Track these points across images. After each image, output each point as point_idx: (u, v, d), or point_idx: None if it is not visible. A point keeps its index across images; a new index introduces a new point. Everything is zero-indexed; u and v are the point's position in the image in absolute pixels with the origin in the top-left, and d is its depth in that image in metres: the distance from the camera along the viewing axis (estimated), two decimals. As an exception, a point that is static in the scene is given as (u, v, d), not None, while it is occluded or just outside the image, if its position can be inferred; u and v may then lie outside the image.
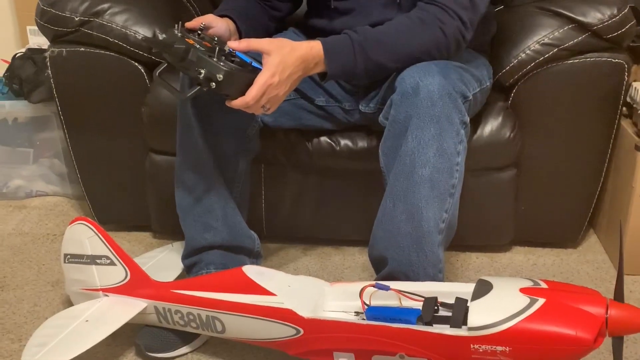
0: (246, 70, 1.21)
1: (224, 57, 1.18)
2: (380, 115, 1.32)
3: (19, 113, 1.94)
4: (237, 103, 1.19)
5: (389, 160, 1.28)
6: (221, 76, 1.15)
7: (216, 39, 1.27)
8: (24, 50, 1.96)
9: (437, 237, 1.26)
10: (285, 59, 1.22)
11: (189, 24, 1.28)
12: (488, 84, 1.45)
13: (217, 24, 1.34)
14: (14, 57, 1.92)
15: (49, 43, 1.62)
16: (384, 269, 1.30)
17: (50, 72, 1.62)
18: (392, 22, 1.30)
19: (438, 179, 1.23)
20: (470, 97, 1.30)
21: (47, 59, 1.61)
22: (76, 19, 1.54)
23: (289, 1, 1.55)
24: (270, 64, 1.21)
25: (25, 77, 1.86)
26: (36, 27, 1.61)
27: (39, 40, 2.02)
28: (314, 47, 1.26)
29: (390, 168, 1.28)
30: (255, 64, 1.25)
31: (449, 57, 1.30)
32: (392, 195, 1.26)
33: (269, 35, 1.52)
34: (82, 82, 1.61)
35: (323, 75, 1.29)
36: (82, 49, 1.56)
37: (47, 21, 1.56)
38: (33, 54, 1.90)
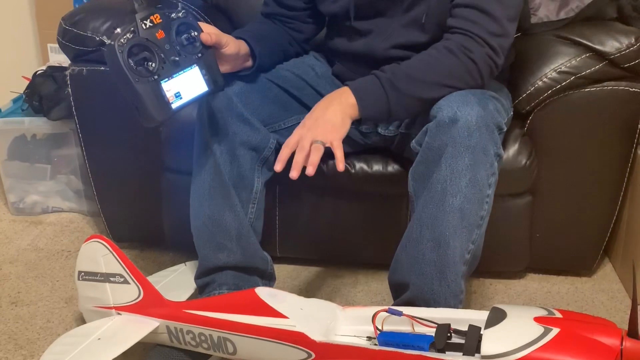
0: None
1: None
2: (413, 141, 1.31)
3: (37, 129, 1.96)
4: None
5: (418, 186, 1.28)
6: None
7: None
8: (44, 67, 1.98)
9: (461, 268, 1.25)
10: (310, 113, 1.30)
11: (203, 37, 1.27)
12: (511, 113, 1.45)
13: (230, 43, 1.34)
14: (34, 75, 1.94)
15: (69, 61, 1.65)
16: (404, 294, 1.29)
17: (70, 90, 1.64)
18: (418, 55, 1.31)
19: (468, 209, 1.22)
20: (505, 129, 1.30)
21: (68, 77, 1.63)
22: (97, 38, 1.56)
23: (312, 23, 1.56)
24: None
25: (45, 95, 1.88)
26: (57, 45, 1.63)
27: (59, 58, 2.05)
28: (337, 90, 1.31)
29: (419, 194, 1.27)
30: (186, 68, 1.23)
31: (483, 84, 1.30)
32: (420, 221, 1.25)
33: (287, 56, 1.54)
34: (101, 101, 1.63)
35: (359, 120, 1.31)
36: (102, 68, 1.58)
37: (69, 40, 1.58)
38: (54, 72, 1.93)
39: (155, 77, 1.18)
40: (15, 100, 2.04)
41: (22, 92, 1.97)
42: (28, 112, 1.95)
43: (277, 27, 1.52)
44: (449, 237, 1.22)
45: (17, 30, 2.38)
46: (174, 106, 1.21)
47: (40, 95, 1.89)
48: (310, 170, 1.23)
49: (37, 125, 1.93)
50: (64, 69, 1.81)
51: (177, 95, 1.21)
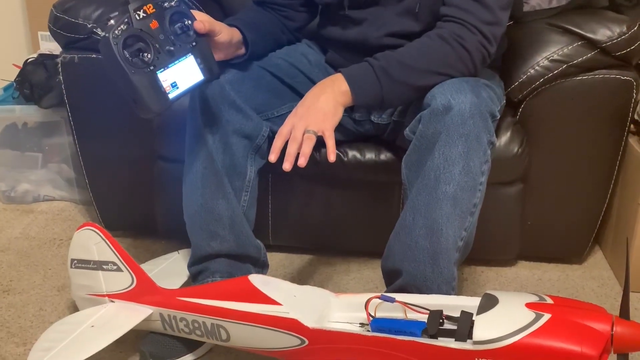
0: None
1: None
2: (407, 129, 1.31)
3: (28, 118, 1.95)
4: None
5: (412, 173, 1.28)
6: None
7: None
8: (35, 55, 1.97)
9: (454, 255, 1.26)
10: (302, 101, 1.30)
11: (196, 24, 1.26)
12: (504, 101, 1.46)
13: (223, 31, 1.33)
14: (25, 62, 1.93)
15: (60, 49, 1.64)
16: (397, 281, 1.30)
17: (61, 77, 1.63)
18: (412, 43, 1.31)
19: (461, 197, 1.23)
20: (498, 117, 1.31)
21: (59, 65, 1.62)
22: (89, 25, 1.55)
23: (305, 12, 1.55)
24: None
25: (36, 82, 1.87)
26: (48, 33, 1.62)
27: (50, 46, 2.04)
28: (329, 76, 1.30)
29: (412, 182, 1.27)
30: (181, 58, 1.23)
31: (476, 72, 1.30)
32: (413, 209, 1.26)
33: (279, 44, 1.53)
34: (93, 89, 1.62)
35: (351, 107, 1.31)
36: (94, 55, 1.57)
37: (60, 28, 1.57)
38: (45, 60, 1.92)
39: (151, 67, 1.18)
40: (6, 89, 2.03)
41: (12, 80, 1.96)
42: (19, 100, 1.94)
43: (269, 15, 1.51)
44: (442, 225, 1.23)
45: (8, 18, 2.37)
46: (170, 96, 1.21)
47: (31, 83, 1.88)
48: (302, 162, 1.24)
49: (28, 113, 1.93)
50: (55, 56, 1.80)
51: (174, 85, 1.21)
